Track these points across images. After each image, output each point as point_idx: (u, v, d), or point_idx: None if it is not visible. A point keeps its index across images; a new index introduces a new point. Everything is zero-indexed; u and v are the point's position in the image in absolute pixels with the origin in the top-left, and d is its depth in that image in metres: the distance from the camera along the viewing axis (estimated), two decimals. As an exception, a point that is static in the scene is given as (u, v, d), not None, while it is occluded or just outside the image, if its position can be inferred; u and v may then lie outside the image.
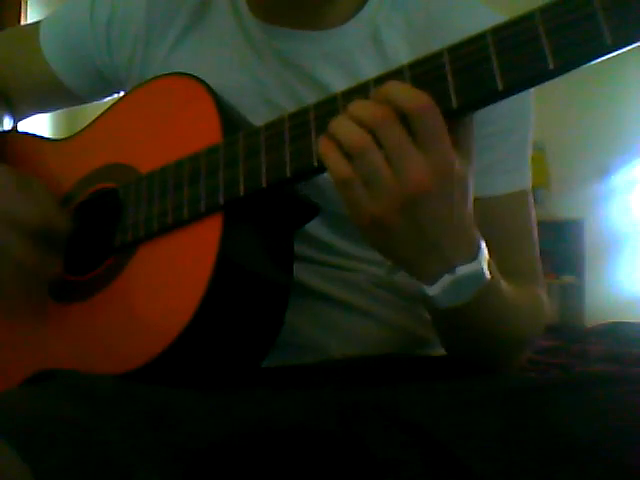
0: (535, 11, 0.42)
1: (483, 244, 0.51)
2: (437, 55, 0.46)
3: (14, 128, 0.82)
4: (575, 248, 3.59)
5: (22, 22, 3.09)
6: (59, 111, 0.91)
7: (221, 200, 0.54)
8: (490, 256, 0.51)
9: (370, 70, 0.60)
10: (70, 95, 0.77)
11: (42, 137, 0.78)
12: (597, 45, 0.39)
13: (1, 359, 0.65)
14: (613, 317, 3.22)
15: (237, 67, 0.67)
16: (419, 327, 0.68)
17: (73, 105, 0.81)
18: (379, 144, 0.45)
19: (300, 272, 0.61)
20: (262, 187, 0.52)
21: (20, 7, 3.16)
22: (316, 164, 0.49)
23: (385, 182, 0.45)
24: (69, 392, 0.47)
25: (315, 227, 0.63)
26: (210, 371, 0.57)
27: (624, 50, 0.39)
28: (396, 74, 0.47)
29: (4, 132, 0.78)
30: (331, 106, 0.49)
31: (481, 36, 0.44)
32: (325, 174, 0.49)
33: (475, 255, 0.49)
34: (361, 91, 0.48)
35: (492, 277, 0.51)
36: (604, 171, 3.66)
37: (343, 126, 0.46)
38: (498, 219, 0.65)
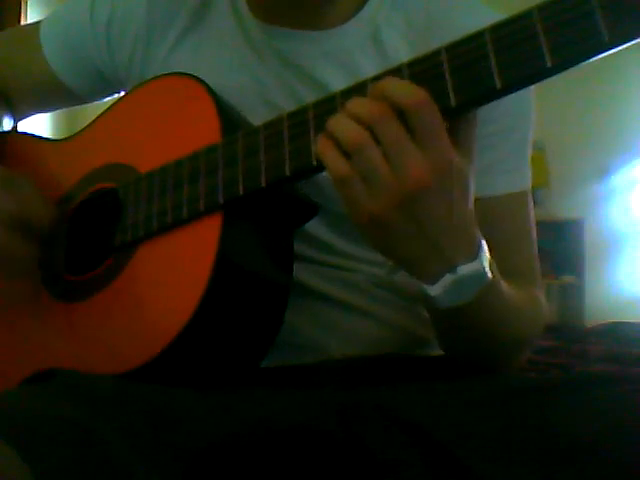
0: (533, 9, 0.42)
1: (484, 243, 0.51)
2: (435, 53, 0.46)
3: (14, 128, 0.82)
4: (575, 248, 3.59)
5: (22, 22, 3.09)
6: (59, 111, 0.92)
7: (220, 199, 0.54)
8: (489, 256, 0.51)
9: (370, 70, 0.60)
10: (70, 95, 0.77)
11: (42, 137, 0.78)
12: (595, 43, 0.40)
13: (1, 359, 0.65)
14: (613, 317, 3.23)
15: (237, 67, 0.67)
16: (419, 327, 0.68)
17: (73, 105, 0.82)
18: (377, 141, 0.45)
19: (300, 272, 0.61)
20: (261, 186, 0.52)
21: (20, 7, 3.17)
22: (315, 163, 0.49)
23: (383, 179, 0.45)
24: (69, 392, 0.47)
25: (315, 226, 0.63)
26: (210, 370, 0.57)
27: (622, 48, 0.39)
28: (395, 72, 0.47)
29: (4, 132, 0.78)
30: (330, 105, 0.49)
31: (479, 34, 0.44)
32: (324, 173, 0.49)
33: (476, 254, 0.49)
34: (360, 90, 0.48)
35: (493, 277, 0.51)
36: (604, 171, 3.66)
37: (340, 124, 0.46)
38: (498, 219, 0.65)
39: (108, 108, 0.70)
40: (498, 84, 0.43)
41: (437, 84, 0.45)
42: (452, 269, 0.49)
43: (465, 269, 0.49)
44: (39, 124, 2.93)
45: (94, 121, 0.71)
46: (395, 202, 0.45)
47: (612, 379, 0.50)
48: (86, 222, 0.67)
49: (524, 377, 0.63)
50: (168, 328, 0.52)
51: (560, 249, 3.51)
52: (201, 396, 0.52)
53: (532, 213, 0.69)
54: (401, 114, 0.45)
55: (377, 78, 0.48)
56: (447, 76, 0.45)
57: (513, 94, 0.45)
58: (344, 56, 0.65)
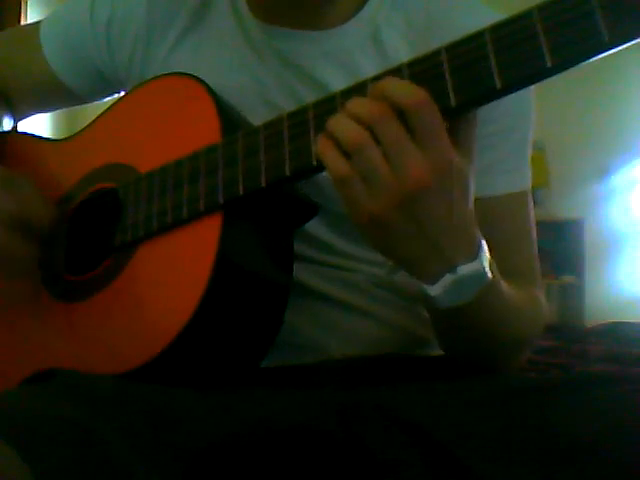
0: (533, 9, 0.42)
1: (484, 243, 0.51)
2: (435, 53, 0.46)
3: (14, 128, 0.82)
4: (575, 248, 3.59)
5: (22, 22, 3.10)
6: (59, 111, 0.92)
7: (220, 199, 0.54)
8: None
9: (370, 70, 0.60)
10: (70, 95, 0.77)
11: (42, 137, 0.78)
12: (595, 43, 0.40)
13: (1, 359, 0.65)
14: (613, 317, 3.23)
15: (237, 67, 0.67)
16: (419, 327, 0.68)
17: (73, 105, 0.82)
18: (377, 141, 0.45)
19: (300, 272, 0.61)
20: (261, 186, 0.52)
21: (20, 7, 3.17)
22: (315, 163, 0.49)
23: (383, 179, 0.45)
24: (69, 392, 0.47)
25: (315, 226, 0.63)
26: (209, 370, 0.57)
27: (622, 48, 0.39)
28: (395, 72, 0.47)
29: (4, 132, 0.78)
30: (330, 105, 0.49)
31: (479, 34, 0.44)
32: (324, 173, 0.49)
33: (476, 254, 0.49)
34: (360, 90, 0.48)
35: (493, 277, 0.51)
36: (604, 171, 3.66)
37: (340, 124, 0.46)
38: (497, 219, 0.65)
39: (108, 108, 0.70)
40: (498, 84, 0.43)
41: (437, 84, 0.45)
42: (452, 269, 0.49)
43: (465, 269, 0.49)
44: (39, 124, 2.93)
45: (94, 121, 0.71)
46: (395, 202, 0.45)
47: (612, 379, 0.50)
48: (86, 222, 0.67)
49: (524, 377, 0.63)
50: (168, 328, 0.52)
51: (560, 249, 3.51)
52: (201, 396, 0.52)
53: (532, 213, 0.69)
54: (401, 114, 0.45)
55: (377, 78, 0.48)
56: (447, 76, 0.45)
57: (513, 94, 0.45)
58: (344, 56, 0.65)
